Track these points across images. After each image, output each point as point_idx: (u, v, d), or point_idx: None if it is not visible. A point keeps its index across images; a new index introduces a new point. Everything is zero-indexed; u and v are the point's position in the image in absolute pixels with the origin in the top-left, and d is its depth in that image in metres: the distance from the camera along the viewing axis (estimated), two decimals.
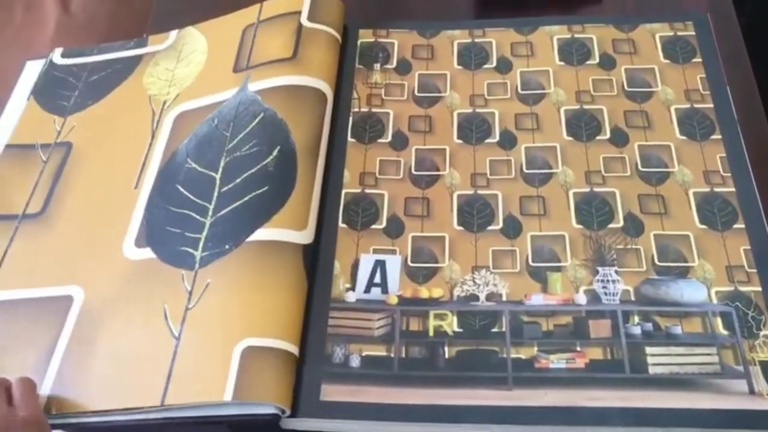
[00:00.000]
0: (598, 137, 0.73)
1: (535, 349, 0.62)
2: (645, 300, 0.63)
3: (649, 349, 0.61)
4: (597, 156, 0.72)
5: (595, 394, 0.58)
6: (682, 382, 0.59)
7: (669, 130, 0.73)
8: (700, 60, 0.78)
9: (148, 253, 0.68)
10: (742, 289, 0.63)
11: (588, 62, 0.79)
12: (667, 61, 0.78)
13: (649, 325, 0.62)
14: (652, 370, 0.60)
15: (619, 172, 0.71)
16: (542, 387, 0.59)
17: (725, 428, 0.56)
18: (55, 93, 0.84)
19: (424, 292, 0.66)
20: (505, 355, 0.61)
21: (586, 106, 0.76)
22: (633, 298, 0.63)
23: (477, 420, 0.58)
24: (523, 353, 0.61)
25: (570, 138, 0.74)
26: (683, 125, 0.73)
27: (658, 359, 0.60)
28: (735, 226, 0.66)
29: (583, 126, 0.74)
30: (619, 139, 0.73)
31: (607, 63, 0.79)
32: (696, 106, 0.74)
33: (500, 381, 0.60)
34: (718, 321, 0.62)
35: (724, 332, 0.61)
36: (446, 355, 0.62)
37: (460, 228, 0.69)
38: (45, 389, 0.61)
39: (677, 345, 0.61)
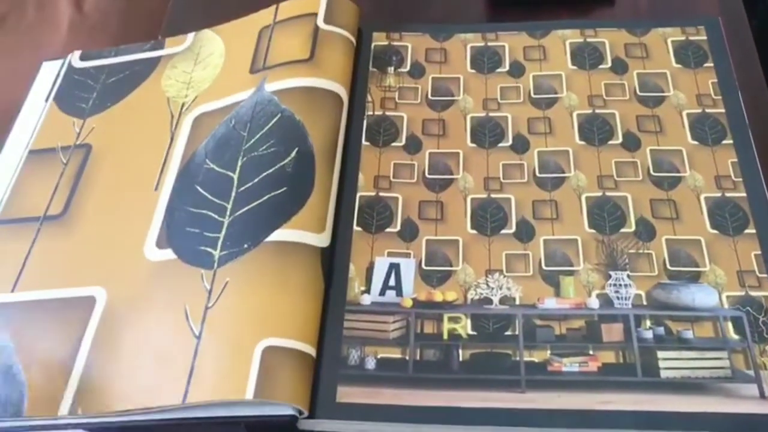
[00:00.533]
0: (610, 142, 0.74)
1: (548, 352, 0.63)
2: (657, 304, 0.64)
3: (660, 354, 0.61)
4: (609, 160, 0.73)
5: (608, 398, 0.59)
6: (694, 386, 0.60)
7: (681, 135, 0.74)
8: (711, 64, 0.78)
9: (169, 254, 0.69)
10: (753, 294, 0.64)
11: (600, 66, 0.80)
12: (679, 65, 0.79)
13: (660, 329, 0.63)
14: (664, 374, 0.60)
15: (631, 177, 0.72)
16: (555, 390, 0.60)
17: None
18: (74, 95, 0.86)
19: (438, 296, 0.67)
20: (518, 358, 0.62)
21: (598, 111, 0.77)
22: (645, 303, 0.64)
23: (491, 422, 0.59)
24: (536, 356, 0.62)
25: (582, 142, 0.75)
26: (695, 130, 0.74)
27: (670, 363, 0.61)
28: (746, 231, 0.67)
29: (596, 130, 0.75)
30: (632, 143, 0.74)
31: (620, 67, 0.80)
32: (708, 110, 0.75)
33: (513, 384, 0.61)
34: (729, 325, 0.63)
35: (735, 337, 0.62)
36: (460, 358, 0.63)
37: (474, 231, 0.70)
38: (70, 390, 0.62)
39: (689, 349, 0.62)
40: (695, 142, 0.73)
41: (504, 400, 0.60)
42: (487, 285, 0.67)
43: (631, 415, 0.58)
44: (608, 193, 0.71)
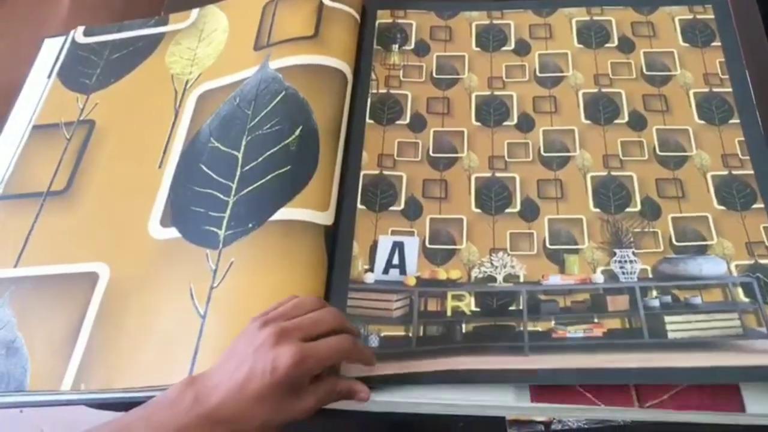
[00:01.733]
0: (616, 121, 0.74)
1: (553, 322, 0.62)
2: (663, 277, 0.64)
3: (668, 318, 0.61)
4: (615, 140, 0.72)
5: (614, 357, 0.59)
6: (704, 344, 0.59)
7: (687, 114, 0.73)
8: (719, 44, 0.78)
9: (173, 232, 0.69)
10: (763, 261, 0.63)
11: (607, 45, 0.79)
12: (686, 44, 0.78)
13: (667, 298, 0.62)
14: (671, 335, 0.60)
15: (637, 156, 0.71)
16: (559, 354, 0.60)
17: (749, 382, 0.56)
18: (78, 71, 0.85)
19: (441, 274, 0.66)
20: (522, 329, 0.62)
21: (604, 90, 0.76)
22: (651, 276, 0.64)
23: (494, 380, 0.59)
24: (540, 326, 0.62)
25: (588, 121, 0.74)
26: (702, 109, 0.73)
27: (678, 326, 0.60)
28: (754, 206, 0.67)
29: (602, 109, 0.75)
30: (638, 123, 0.73)
31: (626, 46, 0.79)
32: (715, 90, 0.74)
33: (517, 349, 0.61)
34: (739, 290, 0.62)
35: (745, 300, 0.61)
36: (463, 330, 0.63)
37: (478, 210, 0.70)
38: (73, 365, 0.62)
39: (697, 313, 0.61)
40: (702, 122, 0.73)
41: (508, 363, 0.59)
42: (491, 263, 0.66)
43: (639, 371, 0.57)
44: (614, 173, 0.70)
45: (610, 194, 0.69)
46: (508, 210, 0.69)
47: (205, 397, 0.51)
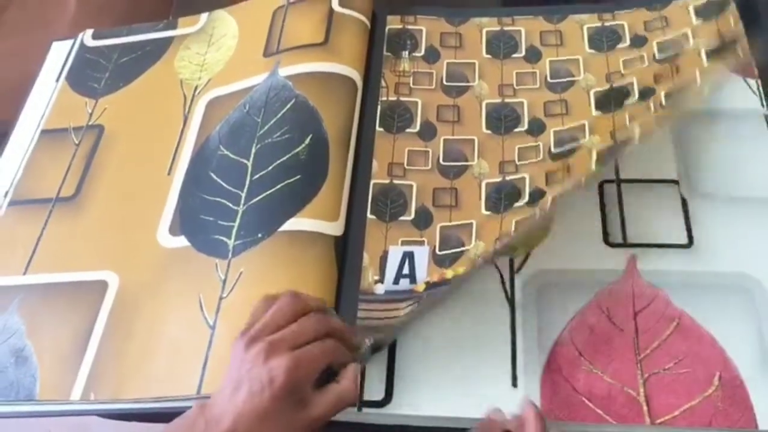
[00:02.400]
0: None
1: None
2: None
3: None
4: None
5: None
6: None
7: None
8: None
9: (182, 241, 0.68)
10: None
11: (618, 46, 0.78)
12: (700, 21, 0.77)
13: None
14: None
15: None
16: None
17: None
18: (86, 75, 0.85)
19: (449, 273, 0.66)
20: None
21: (615, 85, 0.75)
22: None
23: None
24: None
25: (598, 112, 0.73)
26: None
27: None
28: None
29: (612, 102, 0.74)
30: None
31: (637, 42, 0.78)
32: None
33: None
34: None
35: None
36: None
37: (488, 213, 0.69)
38: (82, 374, 0.62)
39: None
40: None
41: None
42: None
43: None
44: None
45: None
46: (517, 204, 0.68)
47: (214, 424, 0.51)
